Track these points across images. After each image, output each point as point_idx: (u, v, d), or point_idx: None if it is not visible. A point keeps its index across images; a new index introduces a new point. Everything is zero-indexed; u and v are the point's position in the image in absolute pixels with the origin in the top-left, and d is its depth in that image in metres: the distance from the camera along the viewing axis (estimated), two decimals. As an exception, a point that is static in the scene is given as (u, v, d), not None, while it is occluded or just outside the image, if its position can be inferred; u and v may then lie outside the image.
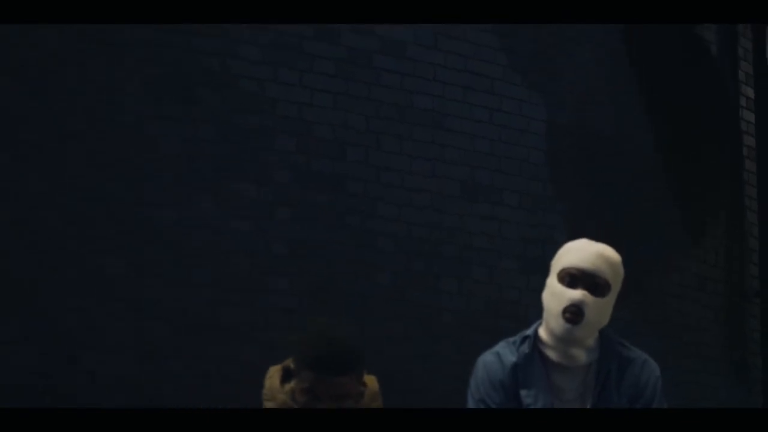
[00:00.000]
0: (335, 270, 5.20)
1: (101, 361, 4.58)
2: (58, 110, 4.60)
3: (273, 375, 2.93)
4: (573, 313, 2.94)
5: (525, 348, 3.04)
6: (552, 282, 3.03)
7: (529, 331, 3.09)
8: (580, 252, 3.01)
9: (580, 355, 3.00)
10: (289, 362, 2.87)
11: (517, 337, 3.10)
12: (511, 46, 5.82)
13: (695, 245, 6.71)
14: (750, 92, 7.10)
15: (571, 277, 2.99)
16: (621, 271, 3.04)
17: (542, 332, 3.06)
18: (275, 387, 2.88)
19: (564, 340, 2.97)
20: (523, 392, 3.01)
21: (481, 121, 5.68)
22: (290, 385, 2.85)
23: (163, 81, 4.82)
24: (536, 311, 4.99)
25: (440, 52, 5.55)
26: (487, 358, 3.09)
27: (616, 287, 3.03)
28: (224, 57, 4.93)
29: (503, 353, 3.07)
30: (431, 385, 4.98)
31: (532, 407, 2.96)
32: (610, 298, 3.02)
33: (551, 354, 3.01)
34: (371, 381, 2.89)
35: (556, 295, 2.98)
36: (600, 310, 2.97)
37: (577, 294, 2.96)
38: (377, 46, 5.38)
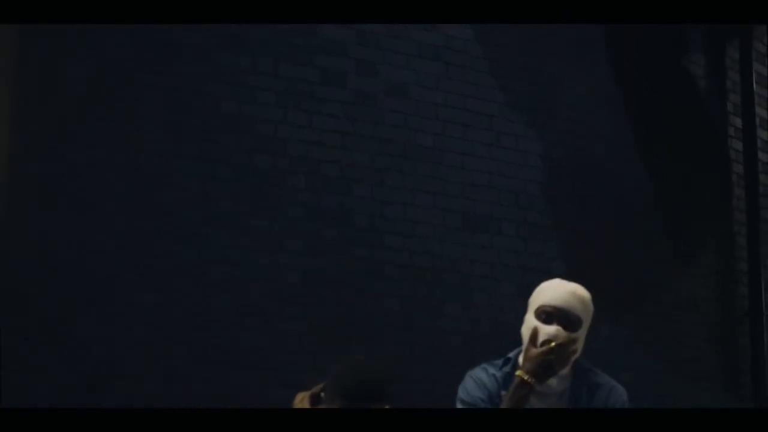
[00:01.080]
0: (344, 297, 5.42)
1: (132, 383, 4.84)
2: (89, 153, 4.90)
3: (303, 399, 3.05)
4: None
5: (507, 368, 3.32)
6: (530, 318, 3.30)
7: (511, 354, 3.37)
8: (554, 291, 3.29)
9: (554, 383, 3.27)
10: (319, 389, 3.01)
11: (500, 360, 3.37)
12: (508, 84, 6.05)
13: (687, 268, 6.90)
14: (738, 122, 7.32)
15: (547, 314, 3.26)
16: (591, 307, 3.32)
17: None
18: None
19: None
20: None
21: (480, 156, 5.91)
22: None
23: (184, 125, 5.12)
24: None
25: (441, 93, 5.78)
26: (475, 372, 3.38)
27: (586, 322, 3.31)
28: (241, 102, 5.22)
29: (489, 369, 3.36)
30: (435, 400, 5.24)
31: None
32: (582, 332, 3.29)
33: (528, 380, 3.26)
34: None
35: (533, 330, 3.26)
36: (573, 343, 3.24)
37: (552, 329, 3.23)
38: (382, 87, 5.61)
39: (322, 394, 2.99)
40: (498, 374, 3.35)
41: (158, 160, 5.06)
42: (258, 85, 5.29)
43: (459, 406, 3.38)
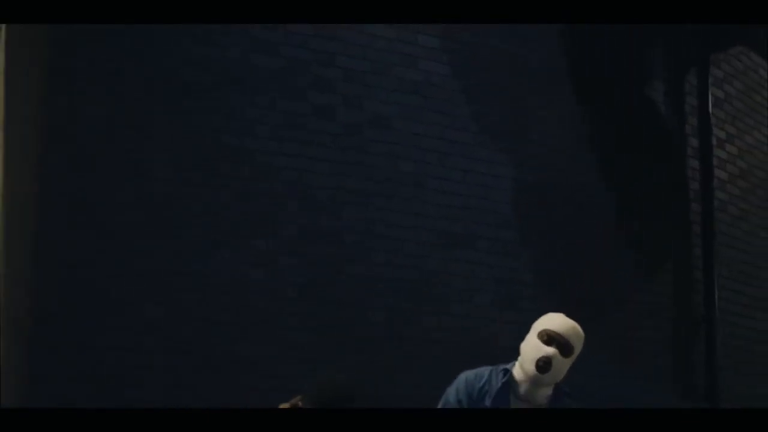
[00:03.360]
0: (336, 309, 5.64)
1: (141, 388, 5.08)
2: (106, 180, 5.15)
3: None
4: (545, 362, 3.64)
5: (505, 378, 3.75)
6: (532, 337, 3.73)
7: (509, 366, 3.79)
8: (558, 320, 3.75)
9: (540, 397, 3.72)
10: (298, 400, 3.57)
11: (501, 369, 3.79)
12: (481, 115, 6.29)
13: (647, 278, 7.13)
14: (695, 143, 7.60)
15: (549, 337, 3.69)
16: (582, 342, 3.76)
17: (516, 372, 3.76)
18: None
19: (531, 382, 3.69)
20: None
21: (457, 180, 6.13)
22: None
23: (191, 155, 5.37)
24: (505, 338, 5.60)
25: (420, 124, 6.02)
26: (469, 375, 3.81)
27: (576, 353, 3.74)
28: (241, 135, 5.48)
29: (484, 376, 3.78)
30: (417, 402, 5.43)
31: None
32: (571, 360, 3.73)
33: (520, 389, 3.71)
34: None
35: (533, 348, 3.70)
36: (563, 367, 3.70)
37: (550, 350, 3.67)
38: (367, 120, 5.85)
39: (300, 404, 3.56)
40: (493, 381, 3.75)
41: (167, 187, 5.32)
42: (256, 119, 5.54)
43: (441, 401, 3.78)
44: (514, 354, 5.89)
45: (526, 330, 6.14)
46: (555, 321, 3.75)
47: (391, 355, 5.71)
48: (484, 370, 3.83)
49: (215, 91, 5.46)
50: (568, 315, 5.58)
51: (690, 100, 7.65)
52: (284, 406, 3.70)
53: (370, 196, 5.86)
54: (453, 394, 3.79)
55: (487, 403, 3.74)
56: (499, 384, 3.75)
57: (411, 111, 6.04)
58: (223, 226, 5.43)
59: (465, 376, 3.82)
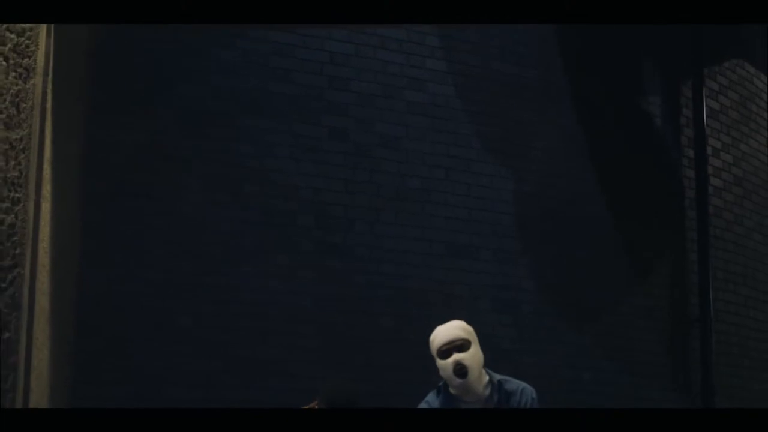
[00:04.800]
0: (348, 316, 5.91)
1: (176, 389, 5.42)
2: (140, 202, 5.49)
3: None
4: (459, 368, 4.14)
5: (441, 396, 4.24)
6: (436, 361, 4.23)
7: (440, 384, 4.28)
8: (440, 333, 4.26)
9: (479, 390, 4.18)
10: (315, 403, 4.10)
11: (436, 389, 4.28)
12: (483, 132, 6.52)
13: (643, 281, 7.30)
14: (691, 153, 7.78)
15: (444, 351, 4.20)
16: (470, 328, 4.25)
17: (452, 390, 4.22)
18: None
19: (465, 388, 4.17)
20: None
21: (460, 194, 6.38)
22: None
23: (214, 178, 5.70)
24: (505, 341, 5.95)
25: (427, 143, 6.29)
26: (421, 408, 4.29)
27: (474, 339, 4.22)
28: (262, 157, 5.82)
29: (431, 401, 4.28)
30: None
31: None
32: (475, 348, 4.22)
33: (465, 397, 4.18)
34: None
35: (443, 367, 4.21)
36: (473, 358, 4.19)
37: (453, 359, 4.16)
38: (377, 141, 6.14)
39: (316, 406, 4.09)
40: (435, 403, 4.24)
41: (195, 208, 5.66)
42: (275, 142, 5.87)
43: None
44: (512, 354, 6.29)
45: (525, 333, 6.58)
46: (439, 335, 4.26)
47: (397, 358, 5.92)
48: (429, 396, 4.35)
49: (237, 118, 5.79)
50: (568, 319, 5.81)
51: (686, 112, 7.84)
52: (306, 406, 4.20)
53: (380, 211, 6.13)
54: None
55: None
56: (437, 403, 4.25)
57: (418, 131, 6.32)
58: (246, 242, 5.76)
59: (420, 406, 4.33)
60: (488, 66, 6.70)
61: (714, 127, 8.06)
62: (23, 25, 4.07)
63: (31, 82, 4.06)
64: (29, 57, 4.08)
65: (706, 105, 7.94)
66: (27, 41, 4.09)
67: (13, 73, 4.01)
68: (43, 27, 4.12)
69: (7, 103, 3.96)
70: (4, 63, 4.02)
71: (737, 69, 8.42)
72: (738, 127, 8.36)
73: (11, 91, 4.00)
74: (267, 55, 5.97)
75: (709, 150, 7.94)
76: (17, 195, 3.94)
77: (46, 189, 4.02)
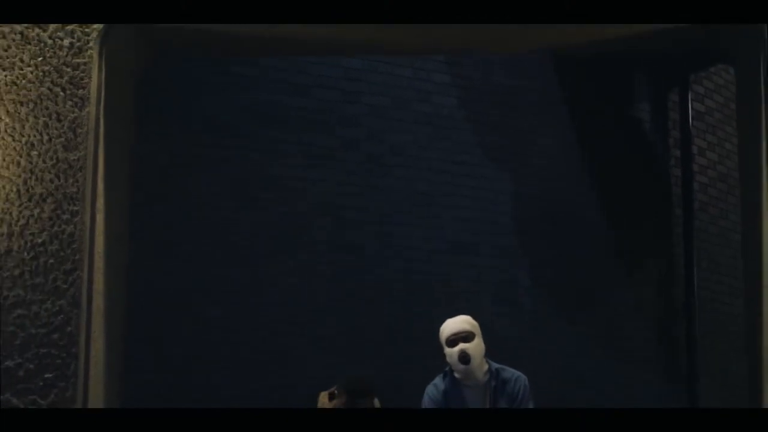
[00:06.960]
0: (360, 310, 6.25)
1: (204, 375, 5.80)
2: (172, 209, 5.81)
3: (323, 396, 4.62)
4: (463, 355, 4.64)
5: (447, 379, 4.73)
6: (445, 348, 4.72)
7: (446, 369, 4.76)
8: (449, 325, 4.74)
9: (479, 377, 4.68)
10: (334, 389, 4.57)
11: (442, 373, 4.76)
12: (485, 139, 6.82)
13: (632, 276, 7.56)
14: (678, 153, 8.04)
15: (452, 340, 4.71)
16: (475, 322, 4.74)
17: (456, 375, 4.71)
18: (325, 403, 4.61)
19: (468, 373, 4.67)
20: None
21: (464, 196, 6.68)
22: (334, 402, 4.56)
23: (238, 185, 6.06)
24: (505, 332, 6.23)
25: (433, 150, 6.62)
26: (429, 387, 4.78)
27: (478, 332, 4.72)
28: (281, 166, 6.19)
29: (438, 384, 4.76)
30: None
31: None
32: (479, 340, 4.72)
33: (466, 381, 4.65)
34: (377, 402, 4.66)
35: (450, 354, 4.71)
36: (476, 348, 4.69)
37: (459, 347, 4.66)
38: (387, 149, 6.48)
39: (335, 392, 4.57)
40: (441, 386, 4.73)
41: (222, 213, 6.02)
42: (290, 152, 6.22)
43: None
44: (512, 344, 6.68)
45: (524, 326, 6.95)
46: (448, 327, 4.76)
47: (403, 348, 6.26)
48: (437, 379, 4.83)
49: (258, 131, 6.14)
50: (563, 312, 6.03)
51: (673, 115, 8.11)
52: (323, 393, 4.68)
53: (389, 214, 6.46)
54: (426, 404, 4.77)
55: (446, 400, 4.74)
56: (443, 385, 4.75)
57: (424, 139, 6.64)
58: (268, 243, 6.12)
59: (427, 389, 4.82)
60: (489, 79, 7.01)
61: (699, 128, 8.34)
62: (78, 60, 4.55)
63: (86, 110, 4.48)
64: (83, 88, 4.52)
65: (692, 108, 8.22)
66: (81, 74, 4.56)
67: (70, 102, 4.49)
68: (95, 61, 4.61)
69: (65, 128, 4.48)
70: (62, 93, 4.50)
71: (722, 73, 8.69)
72: (722, 128, 8.63)
73: (68, 117, 4.49)
74: (287, 71, 6.33)
75: (694, 149, 8.23)
76: (75, 208, 4.42)
77: (100, 202, 4.45)
